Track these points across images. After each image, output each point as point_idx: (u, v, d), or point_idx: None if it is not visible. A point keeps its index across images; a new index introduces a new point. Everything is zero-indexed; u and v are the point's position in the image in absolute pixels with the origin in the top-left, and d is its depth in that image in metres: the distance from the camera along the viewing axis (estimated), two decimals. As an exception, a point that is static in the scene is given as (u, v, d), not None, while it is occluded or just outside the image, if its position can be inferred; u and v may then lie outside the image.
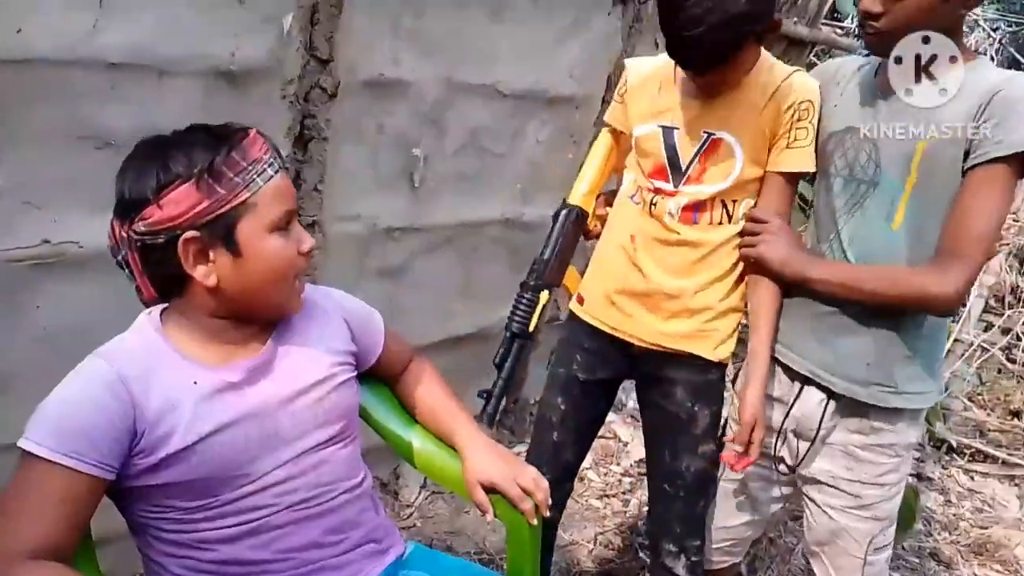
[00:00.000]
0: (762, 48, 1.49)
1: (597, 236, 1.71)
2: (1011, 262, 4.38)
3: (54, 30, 1.42)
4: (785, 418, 1.59)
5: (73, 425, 1.02)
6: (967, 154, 1.32)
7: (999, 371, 4.09)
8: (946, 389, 3.38)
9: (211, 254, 1.08)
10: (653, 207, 1.56)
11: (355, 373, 1.30)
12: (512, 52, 2.19)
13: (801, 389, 1.56)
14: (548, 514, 1.32)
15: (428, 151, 2.13)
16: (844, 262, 1.46)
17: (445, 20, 1.99)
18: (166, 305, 1.16)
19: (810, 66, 3.87)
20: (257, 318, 1.17)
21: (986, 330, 4.11)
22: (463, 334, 2.52)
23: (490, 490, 1.31)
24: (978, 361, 3.80)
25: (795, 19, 3.18)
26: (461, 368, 2.23)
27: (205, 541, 1.11)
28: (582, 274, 1.73)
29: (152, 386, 1.07)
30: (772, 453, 1.62)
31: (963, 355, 3.73)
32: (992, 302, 4.33)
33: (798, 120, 1.47)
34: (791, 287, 1.52)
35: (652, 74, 1.58)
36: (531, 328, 1.59)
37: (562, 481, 1.77)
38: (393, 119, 2.02)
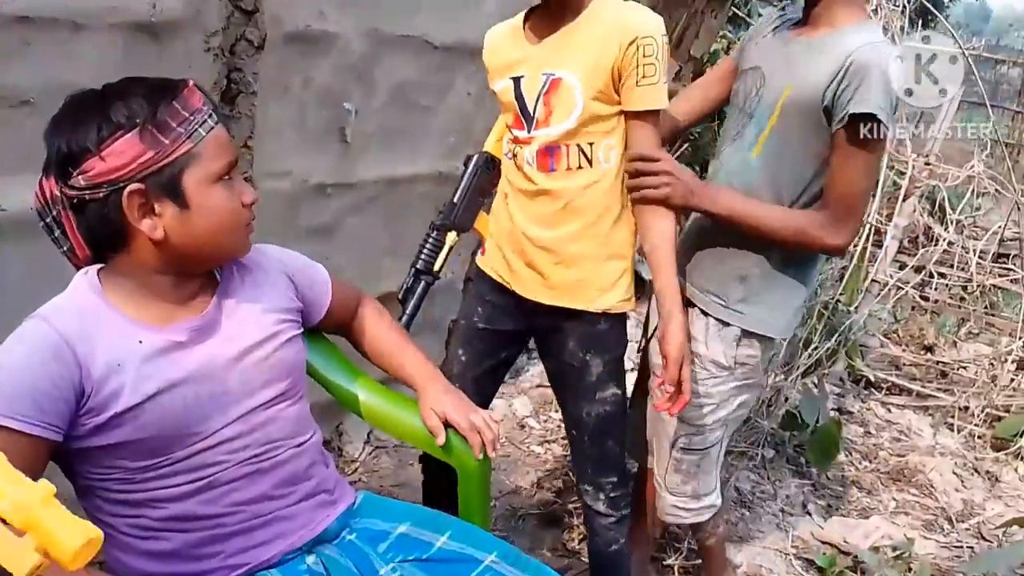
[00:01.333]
0: None
1: None
2: (924, 204, 4.58)
3: (-42, -18, 1.35)
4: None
5: (16, 387, 1.00)
6: (828, 113, 1.45)
7: (913, 308, 4.30)
8: (864, 327, 3.54)
9: (156, 207, 1.06)
10: (515, 158, 1.58)
11: (300, 330, 1.30)
12: (436, 3, 2.17)
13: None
14: (494, 454, 1.36)
15: (357, 106, 2.11)
16: (745, 197, 1.55)
17: (369, -30, 1.96)
18: (101, 266, 1.14)
19: (733, 18, 3.94)
20: (205, 268, 1.17)
21: (900, 269, 4.30)
22: (395, 291, 2.51)
23: (443, 423, 1.38)
24: (893, 300, 3.97)
25: (716, -31, 3.23)
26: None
27: (156, 500, 1.11)
28: None
29: (97, 346, 1.06)
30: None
31: (879, 294, 3.90)
32: (906, 243, 4.53)
33: (644, 56, 1.44)
34: None
35: (502, 35, 1.62)
36: (436, 267, 1.66)
37: None
38: (320, 73, 1.99)
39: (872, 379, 3.70)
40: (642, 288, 1.72)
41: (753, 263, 1.60)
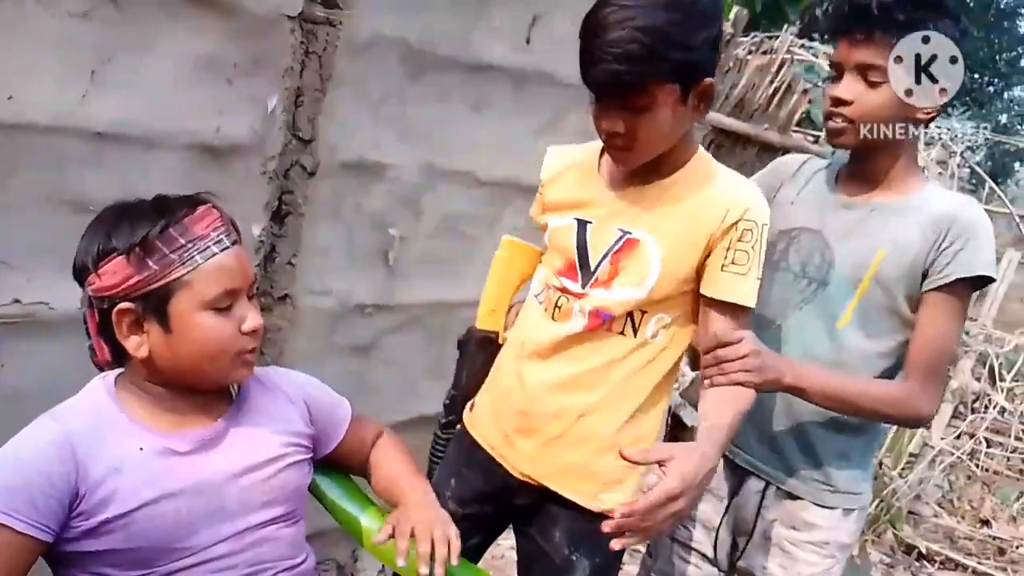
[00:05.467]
0: (700, 147, 1.35)
1: None
2: (976, 367, 4.44)
3: (45, 99, 1.47)
4: (724, 515, 1.60)
5: (14, 484, 1.03)
6: (924, 275, 1.39)
7: (968, 477, 4.10)
8: (909, 493, 3.37)
9: (144, 325, 1.10)
10: (558, 309, 1.36)
11: (309, 456, 1.29)
12: (490, 143, 2.27)
13: (740, 483, 1.58)
14: (426, 571, 1.12)
15: (404, 232, 2.18)
16: (829, 369, 1.43)
17: (427, 110, 2.08)
18: (122, 370, 1.18)
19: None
20: (196, 390, 1.17)
21: (958, 438, 4.13)
22: (432, 413, 2.50)
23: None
24: (941, 466, 3.80)
25: (766, 125, 3.32)
26: (428, 448, 2.22)
27: None
28: None
29: (98, 448, 1.08)
30: (712, 554, 1.62)
31: (932, 460, 3.74)
32: (960, 407, 4.37)
33: (739, 240, 1.27)
34: None
35: (573, 162, 1.42)
36: None
37: None
38: (370, 199, 2.08)
39: (923, 551, 3.49)
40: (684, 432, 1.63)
41: (850, 436, 1.49)
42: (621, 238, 1.31)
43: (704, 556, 1.62)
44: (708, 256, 1.28)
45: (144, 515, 1.07)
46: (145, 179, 1.64)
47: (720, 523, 1.60)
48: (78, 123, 1.53)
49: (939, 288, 1.38)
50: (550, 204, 1.42)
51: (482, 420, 1.46)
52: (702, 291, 1.30)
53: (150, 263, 1.07)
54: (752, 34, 4.70)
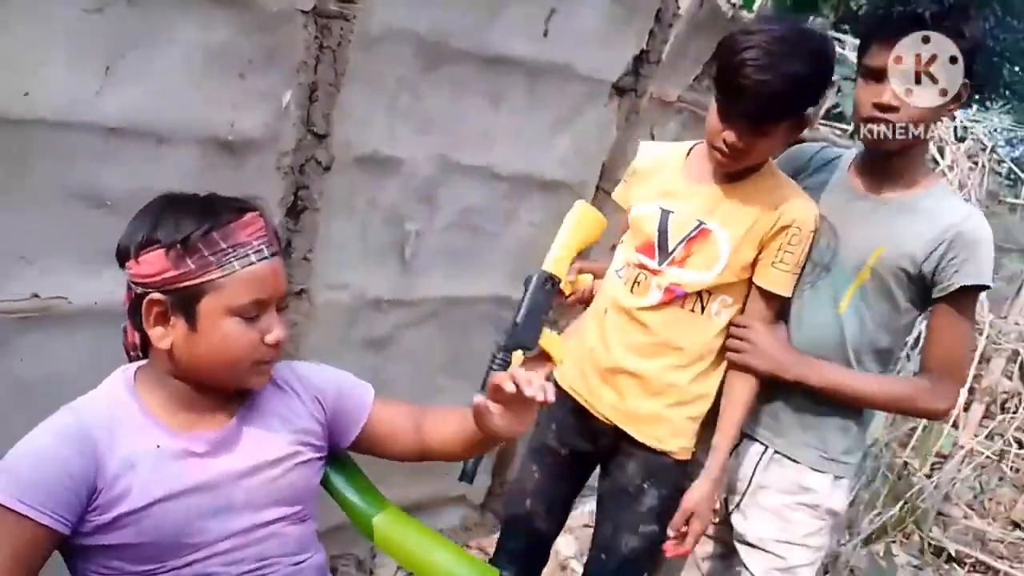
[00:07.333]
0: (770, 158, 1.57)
1: (580, 303, 1.74)
2: (1009, 368, 4.33)
3: (59, 93, 1.48)
4: None
5: (33, 475, 1.04)
6: (926, 280, 1.49)
7: (1000, 479, 4.01)
8: (935, 493, 3.30)
9: (172, 319, 1.11)
10: (637, 284, 1.60)
11: (320, 454, 1.29)
12: (507, 137, 2.25)
13: (737, 445, 1.65)
14: (551, 398, 1.17)
15: (420, 226, 2.18)
16: (838, 366, 1.56)
17: (442, 103, 2.06)
18: (141, 363, 1.20)
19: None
20: (213, 389, 1.18)
21: (989, 438, 4.03)
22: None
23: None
24: (968, 466, 3.72)
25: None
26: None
27: None
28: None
29: (115, 443, 1.09)
30: None
31: (963, 460, 3.66)
32: (992, 407, 4.27)
33: (788, 243, 1.51)
34: None
35: (662, 159, 1.65)
36: None
37: (536, 549, 1.82)
38: (386, 194, 2.07)
39: (953, 553, 3.42)
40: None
41: (852, 413, 1.61)
42: (697, 227, 1.55)
43: None
44: (762, 251, 1.53)
45: (156, 511, 1.08)
46: (159, 173, 1.65)
47: None
48: (92, 118, 1.54)
49: (946, 297, 1.48)
50: (639, 193, 1.65)
51: (569, 373, 1.71)
52: (754, 279, 1.56)
53: (188, 261, 1.08)
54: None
